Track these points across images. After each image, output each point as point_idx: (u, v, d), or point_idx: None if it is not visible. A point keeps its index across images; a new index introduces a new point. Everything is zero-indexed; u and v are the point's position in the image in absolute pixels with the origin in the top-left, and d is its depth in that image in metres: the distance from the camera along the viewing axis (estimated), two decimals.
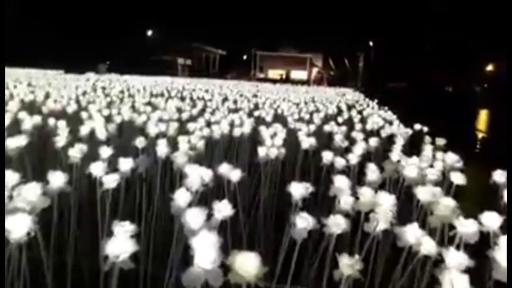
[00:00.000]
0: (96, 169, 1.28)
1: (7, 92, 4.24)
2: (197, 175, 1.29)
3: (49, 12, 24.50)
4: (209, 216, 1.01)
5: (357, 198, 1.29)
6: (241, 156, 2.51)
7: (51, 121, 2.44)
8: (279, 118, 3.76)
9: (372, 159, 2.12)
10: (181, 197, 1.13)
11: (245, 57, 37.45)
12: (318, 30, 35.53)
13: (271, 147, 2.04)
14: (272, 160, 1.92)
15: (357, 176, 1.82)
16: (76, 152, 1.51)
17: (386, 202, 1.17)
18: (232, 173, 1.47)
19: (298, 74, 33.00)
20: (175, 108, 3.89)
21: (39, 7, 23.94)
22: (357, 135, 2.66)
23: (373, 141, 2.34)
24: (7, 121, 2.18)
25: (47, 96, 4.26)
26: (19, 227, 0.85)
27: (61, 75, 10.26)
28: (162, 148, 1.63)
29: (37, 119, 2.42)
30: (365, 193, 1.26)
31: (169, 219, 1.37)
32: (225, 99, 5.72)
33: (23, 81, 6.75)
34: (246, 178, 1.50)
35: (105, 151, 1.59)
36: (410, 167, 1.60)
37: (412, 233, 1.04)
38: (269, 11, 35.90)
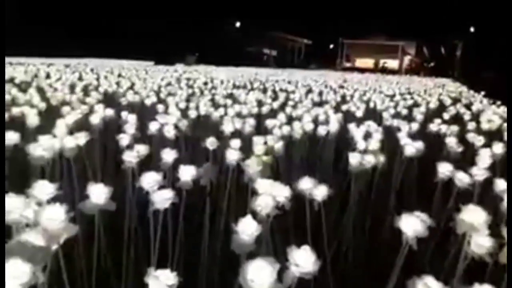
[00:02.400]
0: (148, 181, 1.03)
1: (94, 82, 4.34)
2: (270, 196, 0.98)
3: (140, 4, 25.88)
4: (282, 269, 0.69)
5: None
6: (324, 162, 2.12)
7: (124, 114, 2.30)
8: (372, 114, 3.30)
9: (498, 174, 1.62)
10: (246, 229, 0.83)
11: (331, 46, 36.35)
12: (411, 15, 33.07)
13: (365, 152, 1.65)
14: (367, 171, 1.53)
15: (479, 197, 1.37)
16: (131, 156, 1.28)
17: None
18: (316, 191, 1.13)
19: (388, 63, 31.19)
20: (255, 101, 3.63)
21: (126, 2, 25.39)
22: (474, 137, 2.14)
23: (499, 148, 1.83)
24: (75, 116, 2.06)
25: (131, 87, 4.27)
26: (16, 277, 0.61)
27: (151, 66, 10.63)
28: (232, 154, 1.33)
29: (109, 112, 2.30)
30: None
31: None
32: (309, 91, 5.34)
33: (114, 72, 7.04)
34: (332, 196, 1.15)
35: (168, 155, 1.34)
36: None
37: None
38: None
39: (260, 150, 1.59)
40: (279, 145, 1.70)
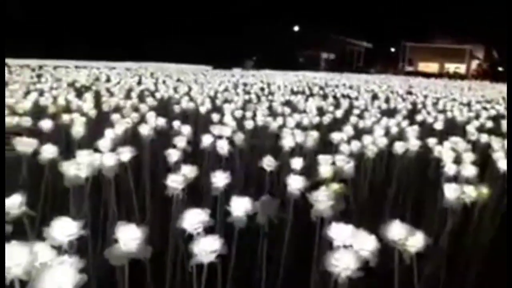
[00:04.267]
0: (191, 221, 0.80)
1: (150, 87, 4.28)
2: (351, 251, 0.72)
3: (197, 9, 26.33)
4: None
5: None
6: (410, 191, 1.77)
7: (176, 124, 2.12)
8: (453, 125, 2.89)
9: None
10: None
11: (392, 49, 34.91)
12: (480, 16, 30.83)
13: (456, 179, 1.33)
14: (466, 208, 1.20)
15: None
16: (177, 180, 1.06)
17: None
18: (408, 240, 0.85)
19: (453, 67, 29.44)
20: (316, 108, 3.35)
21: (186, 6, 25.88)
22: None
23: None
24: (124, 126, 1.91)
25: (188, 92, 4.16)
26: None
27: (209, 71, 10.66)
28: (295, 181, 1.07)
29: (160, 121, 2.14)
30: None
31: None
32: (374, 97, 4.95)
33: (173, 76, 7.05)
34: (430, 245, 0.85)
35: (220, 179, 1.11)
36: None
37: None
38: None
39: (328, 173, 1.33)
40: (350, 167, 1.42)
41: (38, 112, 2.42)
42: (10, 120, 1.94)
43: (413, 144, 1.86)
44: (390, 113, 3.36)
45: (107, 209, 1.36)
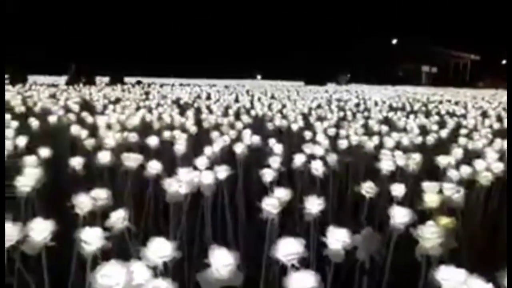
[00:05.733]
0: (285, 252, 0.77)
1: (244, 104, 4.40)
2: None
3: (291, 25, 26.60)
4: None
5: None
6: None
7: (271, 142, 2.13)
8: None
9: None
10: None
11: (504, 61, 31.61)
12: None
13: None
14: None
15: None
16: (271, 204, 1.04)
17: None
18: None
19: None
20: (418, 127, 3.13)
21: (279, 23, 26.28)
22: None
23: None
24: (221, 143, 1.97)
25: (282, 109, 4.20)
26: None
27: (301, 87, 10.69)
28: (399, 213, 0.98)
29: (255, 139, 2.16)
30: None
31: None
32: (484, 115, 4.49)
33: (267, 93, 7.20)
34: None
35: (313, 205, 1.07)
36: None
37: None
38: None
39: (434, 202, 1.21)
40: (459, 197, 1.27)
41: (145, 128, 2.62)
42: (120, 136, 2.12)
43: None
44: (504, 134, 3.00)
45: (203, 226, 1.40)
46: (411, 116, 3.85)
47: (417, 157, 1.84)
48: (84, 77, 10.72)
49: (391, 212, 0.97)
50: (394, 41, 30.22)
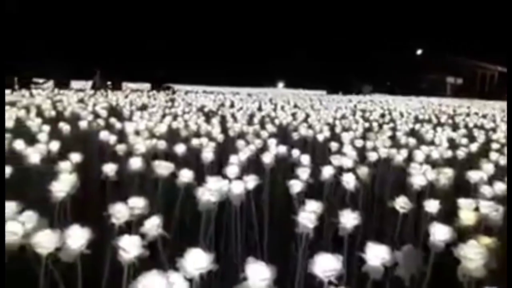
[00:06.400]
0: (323, 268, 0.75)
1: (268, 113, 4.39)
2: None
3: (309, 34, 26.52)
4: None
5: None
6: None
7: (296, 152, 2.12)
8: None
9: None
10: None
11: None
12: None
13: None
14: None
15: None
16: (307, 218, 1.03)
17: None
18: None
19: None
20: (447, 139, 3.06)
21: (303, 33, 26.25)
22: None
23: None
24: (247, 153, 1.96)
25: (306, 119, 4.18)
26: None
27: (324, 96, 10.64)
28: (440, 232, 0.94)
29: (281, 149, 2.15)
30: None
31: None
32: None
33: (290, 102, 7.18)
34: None
35: (349, 219, 1.05)
36: None
37: None
38: None
39: (470, 220, 1.17)
40: (497, 215, 1.23)
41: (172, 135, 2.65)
42: (149, 143, 2.14)
43: None
44: None
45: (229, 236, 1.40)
46: (439, 129, 3.77)
47: (448, 171, 1.80)
48: (110, 83, 11.00)
49: (431, 229, 0.94)
50: (419, 52, 29.78)
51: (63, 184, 1.22)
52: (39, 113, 3.50)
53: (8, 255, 0.83)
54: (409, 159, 2.19)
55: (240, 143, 2.29)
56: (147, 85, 12.10)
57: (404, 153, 2.28)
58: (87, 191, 1.62)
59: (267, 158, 1.86)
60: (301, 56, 23.94)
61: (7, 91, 6.25)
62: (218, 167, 1.94)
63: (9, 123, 2.69)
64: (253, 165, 1.98)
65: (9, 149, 1.92)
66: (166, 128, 2.74)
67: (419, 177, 1.64)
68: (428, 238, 0.98)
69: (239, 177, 1.49)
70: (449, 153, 2.45)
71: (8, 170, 1.47)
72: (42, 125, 2.58)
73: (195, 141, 2.26)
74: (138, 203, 1.05)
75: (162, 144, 2.17)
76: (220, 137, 2.53)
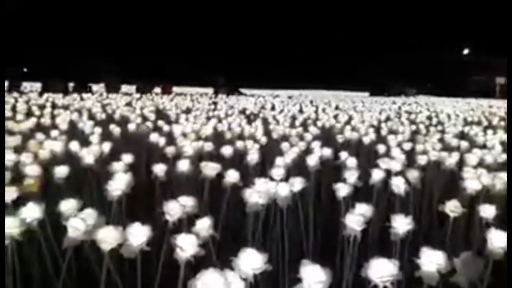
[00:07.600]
0: (377, 270, 0.74)
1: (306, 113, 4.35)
2: None
3: (355, 35, 26.07)
4: None
5: None
6: None
7: (343, 155, 2.09)
8: None
9: None
10: None
11: None
12: None
13: None
14: None
15: None
16: (355, 222, 1.02)
17: None
18: None
19: None
20: (500, 143, 2.91)
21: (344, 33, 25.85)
22: None
23: None
24: (291, 155, 1.96)
25: (349, 121, 4.11)
26: None
27: (366, 98, 10.43)
28: (499, 239, 0.90)
29: (326, 152, 2.13)
30: None
31: None
32: None
33: (332, 104, 7.09)
34: None
35: (401, 225, 1.03)
36: None
37: None
38: None
39: None
40: None
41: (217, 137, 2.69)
42: (196, 145, 2.19)
43: None
44: None
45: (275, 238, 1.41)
46: (489, 131, 3.59)
47: (504, 176, 1.71)
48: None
49: (489, 235, 0.90)
50: (466, 51, 28.53)
51: (119, 183, 1.27)
52: (90, 116, 3.66)
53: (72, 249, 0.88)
54: (461, 162, 2.11)
55: (285, 145, 2.29)
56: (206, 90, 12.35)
57: (455, 156, 2.19)
58: (138, 190, 1.68)
59: (312, 161, 1.85)
60: (345, 58, 23.68)
61: (59, 95, 6.58)
62: (262, 169, 1.96)
63: (63, 126, 2.84)
64: (297, 167, 1.97)
65: (65, 150, 2.02)
66: (211, 131, 2.79)
67: (473, 181, 1.57)
68: (481, 244, 0.94)
69: (285, 179, 1.49)
70: (503, 157, 2.33)
71: (65, 170, 1.56)
72: (94, 127, 2.70)
73: (239, 143, 2.28)
74: (188, 202, 1.08)
75: (209, 146, 2.21)
76: (263, 140, 2.55)
